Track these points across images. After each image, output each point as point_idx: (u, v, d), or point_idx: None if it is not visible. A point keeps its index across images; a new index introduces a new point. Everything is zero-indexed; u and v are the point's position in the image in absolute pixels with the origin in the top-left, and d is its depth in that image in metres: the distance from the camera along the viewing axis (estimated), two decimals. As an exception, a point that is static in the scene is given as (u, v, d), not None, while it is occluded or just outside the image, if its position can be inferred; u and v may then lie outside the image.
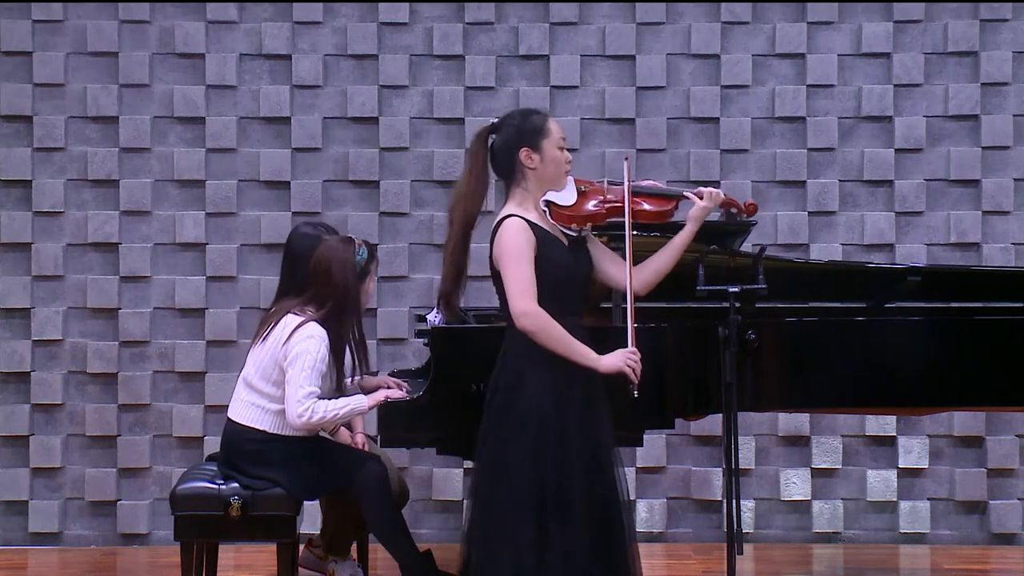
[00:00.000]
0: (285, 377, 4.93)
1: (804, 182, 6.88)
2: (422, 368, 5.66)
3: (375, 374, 5.39)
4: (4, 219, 6.85)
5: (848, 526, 6.81)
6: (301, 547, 5.50)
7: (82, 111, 6.86)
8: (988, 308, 5.46)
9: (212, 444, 6.33)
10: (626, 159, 4.54)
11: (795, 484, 6.81)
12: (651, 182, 4.71)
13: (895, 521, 6.80)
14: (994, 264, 6.75)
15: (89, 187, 6.87)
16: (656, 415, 4.86)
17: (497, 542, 4.31)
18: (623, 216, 4.42)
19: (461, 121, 6.87)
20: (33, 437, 6.80)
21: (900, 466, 6.80)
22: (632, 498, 6.51)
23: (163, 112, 6.88)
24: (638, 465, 6.72)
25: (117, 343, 6.82)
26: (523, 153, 4.39)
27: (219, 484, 5.01)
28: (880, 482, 6.80)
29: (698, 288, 4.65)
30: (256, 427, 5.02)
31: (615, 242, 4.67)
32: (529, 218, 4.36)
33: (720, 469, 6.70)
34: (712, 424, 6.28)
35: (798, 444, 6.83)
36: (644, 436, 4.97)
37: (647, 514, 6.78)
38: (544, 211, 4.43)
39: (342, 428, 5.40)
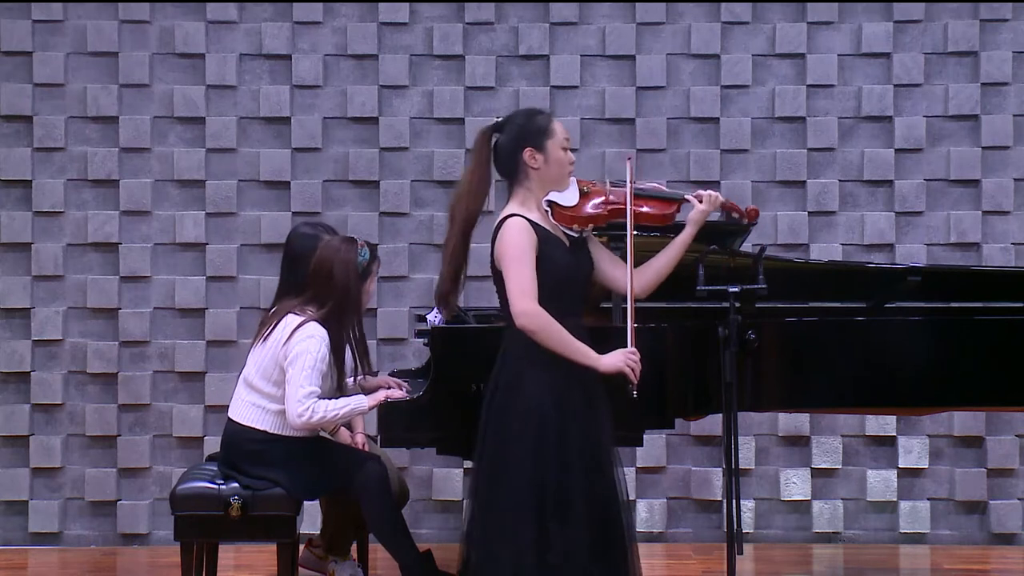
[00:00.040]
0: (285, 377, 4.93)
1: (804, 182, 6.88)
2: (422, 368, 5.66)
3: (375, 374, 5.39)
4: (4, 219, 6.85)
5: (848, 526, 6.81)
6: (301, 547, 5.50)
7: (82, 111, 6.86)
8: (988, 308, 5.46)
9: (212, 444, 6.33)
10: (629, 159, 4.54)
11: (795, 484, 6.81)
12: (653, 184, 4.72)
13: (895, 521, 6.80)
14: (994, 264, 6.75)
15: (89, 187, 6.87)
16: (656, 415, 4.86)
17: (497, 542, 4.31)
18: (624, 219, 4.42)
19: (461, 121, 6.87)
20: (33, 437, 6.80)
21: (900, 466, 6.81)
22: (632, 498, 6.52)
23: (163, 112, 6.88)
24: (638, 465, 6.72)
25: (117, 343, 6.82)
26: (527, 153, 4.39)
27: (219, 484, 5.01)
28: (880, 482, 6.80)
29: (698, 288, 4.65)
30: (256, 427, 5.02)
31: (615, 242, 4.67)
32: (531, 218, 4.36)
33: (720, 469, 6.70)
34: (712, 424, 6.28)
35: (798, 444, 6.83)
36: (644, 436, 4.96)
37: (647, 514, 6.78)
38: (546, 211, 4.43)
39: (342, 428, 5.40)
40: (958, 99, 6.86)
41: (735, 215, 4.73)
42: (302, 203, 6.86)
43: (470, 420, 4.46)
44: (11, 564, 6.49)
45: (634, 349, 4.36)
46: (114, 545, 6.79)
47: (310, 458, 5.02)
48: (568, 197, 4.44)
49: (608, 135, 6.89)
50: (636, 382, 4.35)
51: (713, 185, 6.72)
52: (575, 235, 4.48)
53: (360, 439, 5.43)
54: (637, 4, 6.90)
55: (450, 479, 6.79)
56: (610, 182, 4.54)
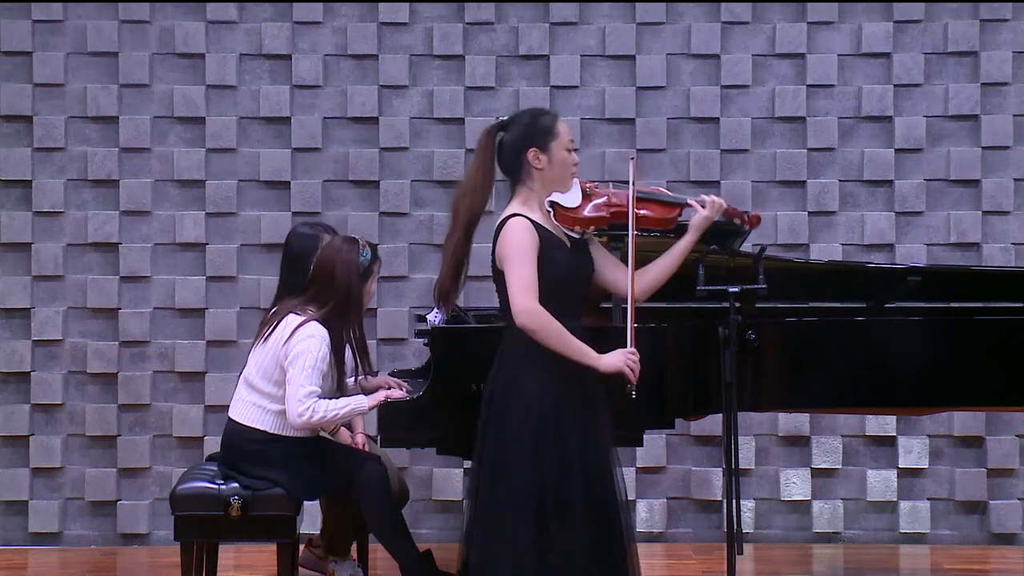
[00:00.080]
0: (286, 377, 4.93)
1: (804, 182, 6.88)
2: (422, 368, 5.66)
3: (376, 374, 5.39)
4: (4, 219, 6.85)
5: (848, 526, 6.81)
6: (301, 547, 5.50)
7: (82, 111, 6.86)
8: (988, 308, 5.45)
9: (212, 444, 6.33)
10: (632, 159, 4.54)
11: (795, 484, 6.81)
12: (655, 187, 4.72)
13: (895, 521, 6.80)
14: (994, 264, 6.75)
15: (89, 187, 6.87)
16: (656, 415, 4.86)
17: (497, 542, 4.32)
18: (626, 221, 4.42)
19: (461, 121, 6.87)
20: (33, 437, 6.80)
21: (900, 466, 6.80)
22: (632, 498, 6.52)
23: (163, 112, 6.88)
24: (638, 465, 6.72)
25: (117, 343, 6.82)
26: (531, 153, 4.39)
27: (219, 484, 5.01)
28: (880, 482, 6.80)
29: (698, 288, 4.65)
30: (257, 427, 5.02)
31: (615, 242, 4.68)
32: (533, 218, 4.36)
33: (720, 469, 6.70)
34: (712, 424, 6.28)
35: (798, 444, 6.83)
36: (644, 436, 4.96)
37: (647, 514, 6.78)
38: (548, 211, 4.43)
39: (342, 428, 5.40)
40: (958, 99, 6.86)
41: (737, 221, 4.73)
42: (302, 203, 6.86)
43: (470, 420, 4.47)
44: (11, 564, 6.49)
45: (634, 349, 4.36)
46: (114, 545, 6.79)
47: (310, 458, 5.02)
48: (570, 198, 4.44)
49: (608, 135, 6.89)
50: (635, 382, 4.35)
51: (713, 185, 6.73)
52: (576, 236, 4.47)
53: (360, 439, 5.43)
54: (637, 4, 6.90)
55: (450, 479, 6.78)
56: (612, 183, 4.54)
